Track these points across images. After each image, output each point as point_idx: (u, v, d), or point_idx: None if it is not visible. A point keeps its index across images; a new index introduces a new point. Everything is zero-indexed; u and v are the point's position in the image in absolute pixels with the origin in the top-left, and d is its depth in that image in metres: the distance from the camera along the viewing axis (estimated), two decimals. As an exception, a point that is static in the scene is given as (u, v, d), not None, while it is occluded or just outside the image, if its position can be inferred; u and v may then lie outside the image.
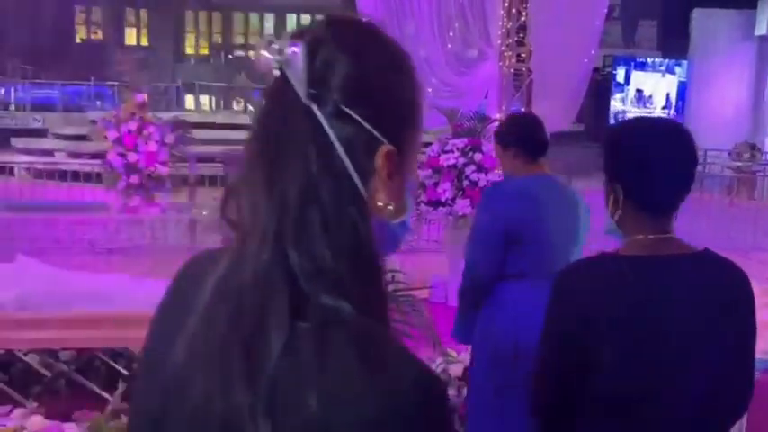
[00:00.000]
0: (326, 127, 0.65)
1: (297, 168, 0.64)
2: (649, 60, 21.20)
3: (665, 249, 1.32)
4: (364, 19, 0.74)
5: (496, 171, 4.87)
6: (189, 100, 29.49)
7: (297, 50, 0.66)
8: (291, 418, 0.60)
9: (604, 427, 1.30)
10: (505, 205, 2.29)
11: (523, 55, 5.74)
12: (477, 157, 5.15)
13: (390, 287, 2.02)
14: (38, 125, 20.03)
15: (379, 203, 0.68)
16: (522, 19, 5.67)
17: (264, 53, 0.67)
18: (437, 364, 3.44)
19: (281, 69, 0.66)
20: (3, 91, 22.40)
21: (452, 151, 5.20)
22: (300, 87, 0.65)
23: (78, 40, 31.61)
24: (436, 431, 0.63)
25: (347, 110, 0.66)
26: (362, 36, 0.72)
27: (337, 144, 0.66)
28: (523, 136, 2.40)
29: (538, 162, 2.41)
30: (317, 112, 0.65)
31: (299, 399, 0.60)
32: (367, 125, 0.67)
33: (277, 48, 0.66)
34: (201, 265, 0.74)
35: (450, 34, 6.21)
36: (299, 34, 0.68)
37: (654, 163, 1.34)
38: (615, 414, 1.28)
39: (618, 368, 1.25)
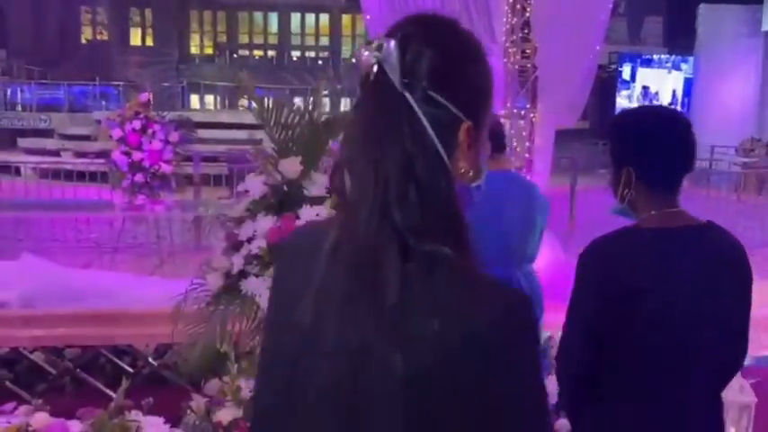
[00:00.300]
0: (417, 110, 0.80)
1: (395, 146, 0.78)
2: (655, 57, 21.10)
3: (679, 221, 1.51)
4: (445, 16, 0.86)
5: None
6: (194, 99, 29.56)
7: (391, 47, 0.80)
8: (415, 340, 0.74)
9: (633, 389, 1.46)
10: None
11: (528, 51, 5.71)
12: (482, 153, 5.13)
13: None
14: (44, 125, 20.10)
15: (461, 171, 0.83)
16: (527, 15, 5.63)
17: (365, 51, 0.82)
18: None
19: (378, 64, 0.81)
20: (9, 91, 22.47)
21: (457, 148, 5.18)
22: (395, 78, 0.80)
23: (84, 41, 31.68)
24: (523, 341, 0.79)
25: (434, 94, 0.81)
26: (444, 31, 0.85)
27: (427, 124, 0.80)
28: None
29: (497, 158, 2.59)
30: (410, 98, 0.80)
31: (419, 323, 0.74)
32: (451, 107, 0.81)
33: (375, 45, 0.81)
34: (310, 236, 0.91)
35: (455, 31, 6.19)
36: (392, 33, 0.83)
37: (664, 146, 1.53)
38: (646, 371, 1.45)
39: (653, 323, 1.42)
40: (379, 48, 0.80)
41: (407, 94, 0.80)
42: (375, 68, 0.81)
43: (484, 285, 0.79)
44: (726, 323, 1.48)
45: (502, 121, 5.85)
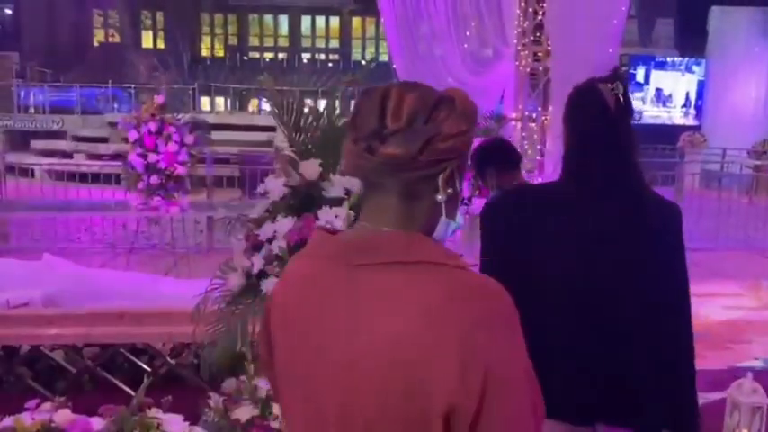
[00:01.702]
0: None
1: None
2: (668, 59, 21.04)
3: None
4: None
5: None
6: (204, 101, 29.71)
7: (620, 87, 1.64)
8: None
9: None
10: None
11: (540, 54, 5.73)
12: (494, 156, 5.15)
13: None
14: (57, 127, 20.27)
15: None
16: (539, 18, 5.66)
17: (609, 89, 1.63)
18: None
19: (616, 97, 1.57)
20: (23, 94, 22.67)
21: (469, 150, 5.20)
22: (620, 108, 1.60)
23: (96, 44, 31.93)
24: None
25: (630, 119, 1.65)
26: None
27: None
28: None
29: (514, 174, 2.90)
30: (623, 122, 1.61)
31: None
32: None
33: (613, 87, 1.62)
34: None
35: (467, 34, 6.22)
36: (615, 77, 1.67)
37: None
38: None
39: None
40: (616, 88, 1.50)
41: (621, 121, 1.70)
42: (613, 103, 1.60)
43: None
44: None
45: (513, 123, 5.89)
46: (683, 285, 1.69)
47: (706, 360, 4.42)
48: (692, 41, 20.29)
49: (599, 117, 1.64)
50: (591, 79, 1.69)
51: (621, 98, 1.64)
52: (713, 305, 5.81)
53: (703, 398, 3.49)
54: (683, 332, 1.69)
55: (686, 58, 20.69)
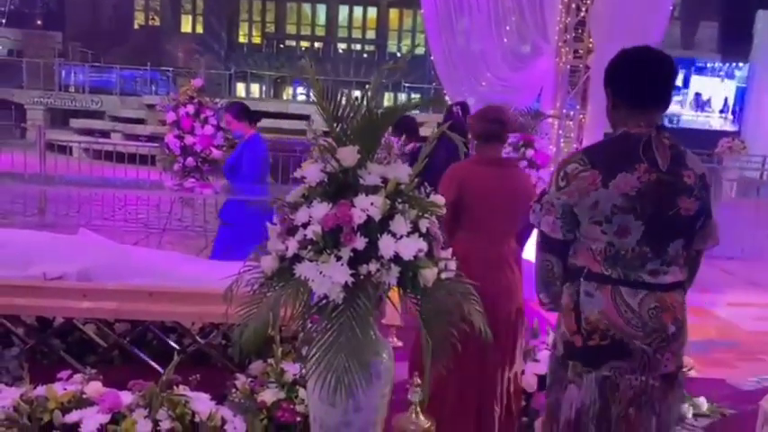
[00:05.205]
0: None
1: None
2: (709, 65, 20.63)
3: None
4: None
5: (550, 168, 4.82)
6: (240, 87, 29.96)
7: None
8: None
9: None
10: None
11: (581, 51, 5.65)
12: (530, 153, 5.11)
13: (443, 275, 2.03)
14: (95, 107, 20.65)
15: None
16: (582, 14, 5.57)
17: None
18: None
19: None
20: (64, 73, 23.10)
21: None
22: None
23: (136, 26, 32.37)
24: None
25: None
26: None
27: None
28: None
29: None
30: None
31: None
32: None
33: None
34: None
35: (507, 28, 6.16)
36: None
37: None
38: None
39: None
40: None
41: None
42: None
43: None
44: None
45: (550, 120, 5.82)
46: None
47: (737, 370, 4.34)
48: (735, 45, 19.83)
49: None
50: None
51: None
52: (746, 316, 5.70)
53: (735, 409, 3.43)
54: None
55: (727, 63, 20.26)
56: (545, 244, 2.04)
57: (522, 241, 3.04)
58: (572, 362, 1.97)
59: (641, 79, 1.97)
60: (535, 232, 2.18)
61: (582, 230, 1.95)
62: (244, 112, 4.84)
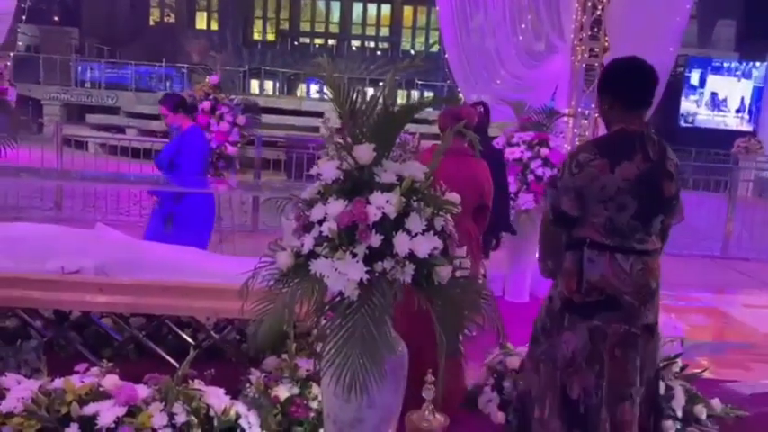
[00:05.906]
0: None
1: None
2: (725, 64, 20.42)
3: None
4: None
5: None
6: (254, 84, 30.02)
7: None
8: None
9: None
10: None
11: (597, 50, 5.62)
12: (544, 151, 5.09)
13: (457, 273, 2.04)
14: (111, 103, 20.80)
15: None
16: (598, 13, 5.54)
17: None
18: (495, 356, 3.44)
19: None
20: (80, 69, 23.29)
21: (518, 145, 5.14)
22: None
23: (152, 23, 32.55)
24: None
25: None
26: None
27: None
28: None
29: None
30: None
31: None
32: None
33: None
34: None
35: (522, 26, 6.13)
36: None
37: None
38: None
39: None
40: None
41: None
42: None
43: None
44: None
45: (565, 119, 5.80)
46: None
47: (752, 372, 4.31)
48: (753, 44, 19.62)
49: None
50: None
51: None
52: (762, 317, 5.66)
53: (749, 410, 3.41)
54: None
55: (743, 63, 20.05)
56: (559, 219, 2.42)
57: (481, 222, 3.36)
58: (568, 314, 2.40)
59: (636, 85, 2.42)
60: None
61: (588, 208, 2.35)
62: (180, 105, 4.77)
